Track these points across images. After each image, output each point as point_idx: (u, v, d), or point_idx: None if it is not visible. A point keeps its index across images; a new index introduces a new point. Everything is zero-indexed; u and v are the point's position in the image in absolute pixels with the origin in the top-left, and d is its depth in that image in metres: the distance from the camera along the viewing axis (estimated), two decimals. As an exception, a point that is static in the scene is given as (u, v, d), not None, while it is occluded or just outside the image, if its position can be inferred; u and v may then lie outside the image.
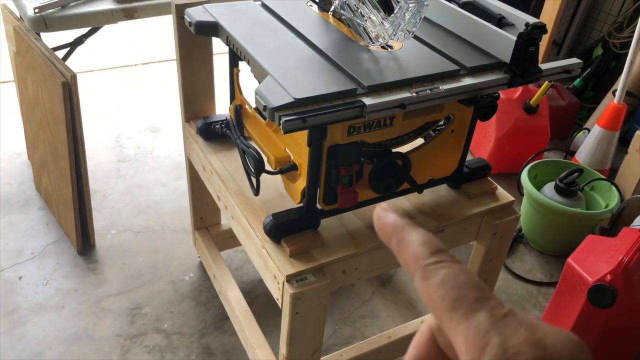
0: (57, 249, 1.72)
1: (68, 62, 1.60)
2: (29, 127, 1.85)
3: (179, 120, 2.46)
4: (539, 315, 1.65)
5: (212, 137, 1.33)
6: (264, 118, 1.17)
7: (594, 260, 1.42)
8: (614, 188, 1.80)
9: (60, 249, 1.72)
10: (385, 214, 0.27)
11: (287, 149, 1.11)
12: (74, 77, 1.40)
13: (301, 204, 1.07)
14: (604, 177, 1.85)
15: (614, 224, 1.81)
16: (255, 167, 1.09)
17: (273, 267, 1.03)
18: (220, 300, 1.56)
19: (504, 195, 1.24)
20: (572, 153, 2.17)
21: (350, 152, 0.99)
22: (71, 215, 1.65)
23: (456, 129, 1.15)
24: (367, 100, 0.92)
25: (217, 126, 1.25)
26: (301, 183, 1.05)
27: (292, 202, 1.12)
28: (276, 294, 1.05)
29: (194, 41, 1.28)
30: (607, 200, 1.83)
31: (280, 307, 1.04)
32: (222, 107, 1.41)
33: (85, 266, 1.67)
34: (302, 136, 1.02)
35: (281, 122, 0.86)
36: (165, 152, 2.23)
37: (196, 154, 1.35)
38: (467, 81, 1.01)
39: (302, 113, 0.88)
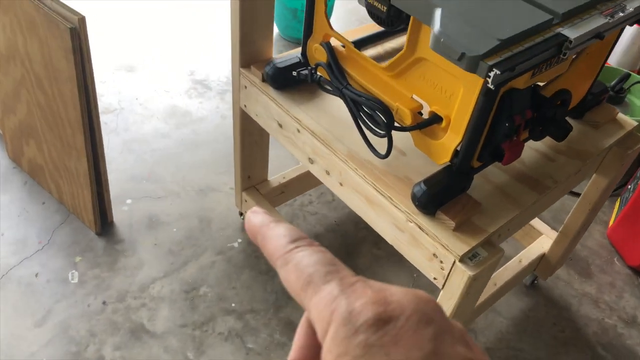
0: (68, 233, 1.43)
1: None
2: (-5, 87, 1.46)
3: (155, 56, 2.09)
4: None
5: (284, 86, 1.07)
6: (376, 59, 0.94)
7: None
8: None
9: (72, 231, 1.43)
10: (254, 216, 0.27)
11: (414, 96, 0.90)
12: (82, 20, 1.06)
13: (447, 163, 0.88)
14: (643, 78, 1.78)
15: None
16: (386, 123, 0.88)
17: (432, 245, 0.85)
18: (284, 266, 1.38)
19: (626, 120, 1.11)
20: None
21: (525, 97, 0.81)
22: (83, 192, 1.35)
23: (592, 52, 0.99)
24: (570, 33, 0.72)
25: (304, 72, 1.00)
26: (451, 139, 0.86)
27: (419, 161, 0.94)
28: (435, 274, 0.88)
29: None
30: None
31: (440, 287, 0.89)
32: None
33: (112, 248, 1.41)
34: (451, 81, 0.82)
35: (491, 75, 0.65)
36: (152, 95, 1.90)
37: (264, 107, 1.10)
38: (645, -5, 0.83)
39: (509, 59, 0.67)
